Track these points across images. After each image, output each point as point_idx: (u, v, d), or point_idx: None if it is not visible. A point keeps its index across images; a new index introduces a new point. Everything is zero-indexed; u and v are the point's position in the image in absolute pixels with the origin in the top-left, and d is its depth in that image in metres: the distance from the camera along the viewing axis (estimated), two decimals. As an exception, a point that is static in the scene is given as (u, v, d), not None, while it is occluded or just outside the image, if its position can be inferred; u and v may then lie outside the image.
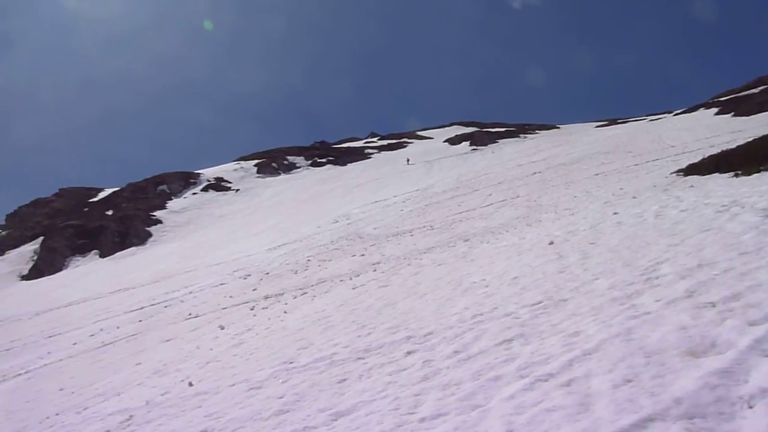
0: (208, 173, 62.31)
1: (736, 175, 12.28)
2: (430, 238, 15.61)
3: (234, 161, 69.98)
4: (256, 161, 66.80)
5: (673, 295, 4.68)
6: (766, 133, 15.74)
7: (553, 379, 3.63)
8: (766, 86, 44.16)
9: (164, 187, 57.55)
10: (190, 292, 17.93)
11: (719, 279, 4.79)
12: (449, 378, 4.26)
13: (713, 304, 4.18)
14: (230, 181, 59.82)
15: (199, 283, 19.53)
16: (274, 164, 66.00)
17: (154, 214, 49.65)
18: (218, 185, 57.90)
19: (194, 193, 56.14)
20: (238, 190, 56.71)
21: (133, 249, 43.12)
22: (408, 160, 53.90)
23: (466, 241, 13.30)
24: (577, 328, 4.56)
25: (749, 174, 11.88)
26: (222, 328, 10.35)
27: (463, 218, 18.55)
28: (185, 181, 59.20)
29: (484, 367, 4.26)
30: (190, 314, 13.53)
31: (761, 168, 11.97)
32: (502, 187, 25.46)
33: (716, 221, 7.45)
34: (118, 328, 14.45)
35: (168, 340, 10.78)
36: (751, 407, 2.71)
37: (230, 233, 36.14)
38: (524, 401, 3.43)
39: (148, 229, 46.50)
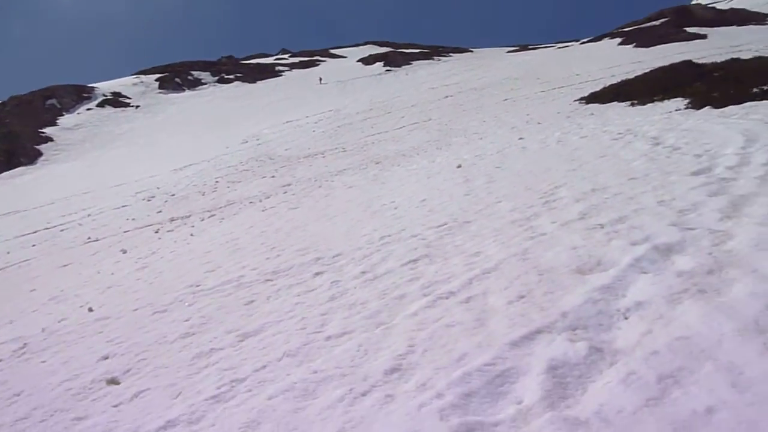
0: (104, 87, 57.67)
1: (633, 105, 13.00)
2: (342, 161, 15.55)
3: (133, 75, 65.09)
4: (158, 76, 62.47)
5: (568, 218, 4.97)
6: (662, 65, 16.62)
7: (454, 297, 3.80)
8: (666, 19, 46.19)
9: (54, 101, 52.80)
10: (89, 215, 16.99)
11: (609, 202, 5.13)
12: (356, 297, 4.36)
13: (602, 226, 4.48)
14: (129, 96, 55.82)
15: (98, 206, 18.51)
16: (177, 79, 62.06)
17: (43, 131, 45.76)
18: (116, 101, 53.91)
19: (89, 109, 52.03)
20: (138, 106, 53.13)
21: (21, 169, 39.81)
22: (320, 80, 52.53)
23: (377, 163, 13.36)
24: (479, 248, 4.76)
25: (644, 104, 12.61)
26: (124, 252, 9.96)
27: (375, 141, 18.55)
28: (78, 95, 54.56)
29: (390, 287, 4.39)
30: (89, 238, 12.88)
31: (655, 98, 12.72)
32: (414, 110, 25.54)
33: (611, 148, 7.89)
34: (8, 253, 13.52)
35: (65, 266, 10.25)
36: (626, 318, 2.98)
37: (132, 153, 34.18)
38: (426, 318, 3.58)
39: (37, 147, 42.92)
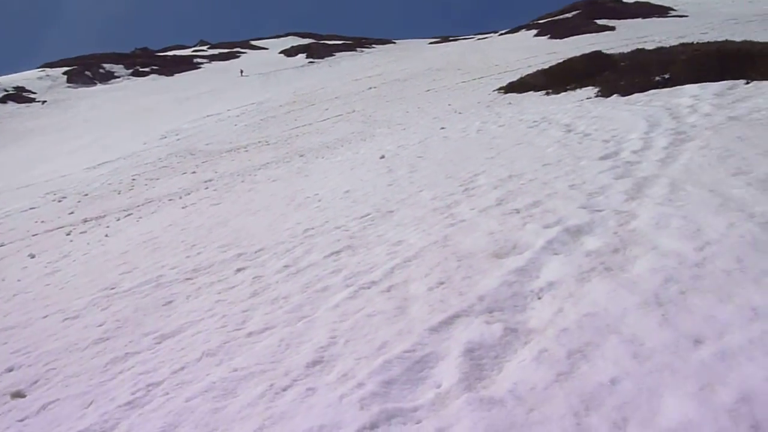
0: (5, 81, 53.78)
1: (548, 94, 13.50)
2: (265, 154, 15.27)
3: (38, 68, 61.08)
4: (66, 69, 58.98)
5: (486, 204, 5.10)
6: (574, 56, 17.33)
7: (376, 287, 3.81)
8: (578, 11, 48.26)
9: (-51, 97, 48.78)
10: (-8, 219, 15.82)
11: (525, 188, 5.31)
12: (278, 292, 4.29)
13: (518, 211, 4.63)
14: (35, 91, 52.38)
15: (3, 209, 17.27)
16: (88, 72, 58.85)
17: (-63, 128, 42.15)
18: (19, 96, 50.44)
19: (-10, 105, 48.43)
20: (45, 101, 49.97)
21: None
22: (242, 72, 51.32)
23: (301, 156, 13.21)
24: (401, 237, 4.81)
25: (558, 93, 13.12)
26: (32, 256, 9.34)
27: (299, 133, 18.34)
28: (-24, 90, 50.67)
29: (313, 279, 4.35)
30: (-8, 243, 11.99)
31: (568, 87, 13.26)
32: (338, 101, 25.43)
33: (527, 136, 8.16)
34: None
35: (-35, 274, 9.50)
36: (540, 299, 3.09)
37: (39, 151, 32.10)
38: (348, 309, 3.57)
39: (-69, 147, 39.50)
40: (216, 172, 14.06)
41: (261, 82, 44.44)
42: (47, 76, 57.07)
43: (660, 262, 3.11)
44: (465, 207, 5.23)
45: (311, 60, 58.70)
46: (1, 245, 11.59)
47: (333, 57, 59.75)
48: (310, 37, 79.03)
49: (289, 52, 65.30)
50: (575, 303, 2.92)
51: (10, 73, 58.51)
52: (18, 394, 3.68)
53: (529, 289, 3.22)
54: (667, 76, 10.37)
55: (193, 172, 15.08)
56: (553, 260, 3.50)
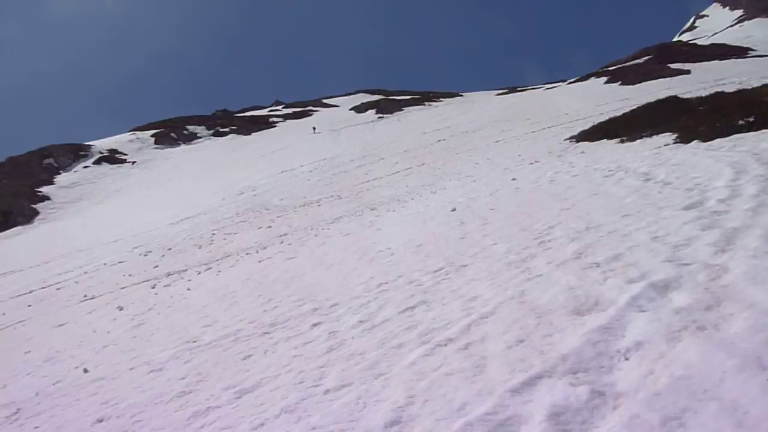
0: (101, 145, 58.30)
1: (622, 142, 13.17)
2: (337, 208, 15.60)
3: (129, 132, 65.91)
4: (154, 131, 63.28)
5: (563, 257, 4.96)
6: (648, 102, 16.93)
7: (452, 344, 3.75)
8: (649, 56, 47.39)
9: (51, 160, 53.26)
10: (85, 272, 16.89)
11: (604, 240, 5.13)
12: (354, 348, 4.30)
13: (598, 265, 4.48)
14: (126, 152, 56.38)
15: (95, 263, 18.43)
16: (173, 134, 62.84)
17: (40, 190, 45.96)
18: (112, 157, 54.42)
19: (86, 167, 52.45)
20: (134, 162, 53.61)
21: (18, 228, 39.79)
22: (314, 129, 53.16)
23: (372, 209, 13.40)
24: (476, 292, 4.74)
25: (633, 140, 12.78)
26: (121, 308, 9.85)
27: (370, 187, 18.67)
28: (75, 153, 55.08)
29: (388, 335, 4.34)
30: (85, 296, 12.76)
31: (643, 134, 12.90)
32: (408, 155, 25.81)
33: (603, 186, 7.95)
34: (3, 314, 13.37)
35: (61, 325, 10.12)
36: (627, 359, 2.94)
37: (128, 208, 34.26)
38: (425, 367, 3.53)
39: (34, 206, 43.01)
40: (290, 227, 14.47)
41: (332, 139, 45.88)
42: (137, 138, 61.39)
43: (759, 320, 2.90)
44: (541, 261, 5.11)
45: (380, 115, 60.19)
46: (93, 297, 12.31)
47: (402, 112, 61.04)
48: (379, 94, 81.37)
49: (359, 109, 67.33)
50: (667, 365, 2.76)
51: (105, 137, 63.42)
52: (107, 446, 3.83)
53: (615, 348, 3.07)
54: (751, 119, 9.91)
55: (269, 227, 15.59)
56: (639, 318, 3.34)
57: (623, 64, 48.12)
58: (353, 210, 14.28)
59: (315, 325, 5.28)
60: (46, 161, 53.05)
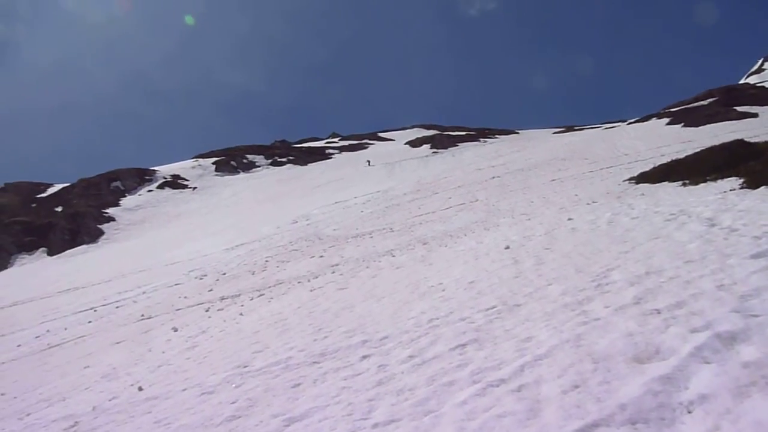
0: (165, 170, 60.90)
1: (684, 185, 12.76)
2: (389, 241, 15.66)
3: (192, 159, 68.61)
4: (215, 159, 65.67)
5: (622, 302, 4.81)
6: (713, 145, 16.39)
7: (505, 385, 3.68)
8: (714, 98, 46.00)
9: (118, 183, 55.96)
10: (144, 293, 17.50)
11: (665, 286, 4.96)
12: (404, 383, 4.28)
13: (659, 311, 4.32)
14: (187, 178, 58.62)
15: (153, 283, 19.07)
16: (233, 162, 65.02)
17: (106, 211, 48.21)
18: (175, 183, 56.67)
19: (149, 191, 54.78)
20: (195, 188, 55.62)
21: (84, 247, 41.75)
22: (369, 162, 53.88)
23: (424, 244, 13.39)
24: (530, 333, 4.64)
25: (696, 184, 12.36)
26: (175, 330, 10.13)
27: (422, 221, 18.69)
28: (140, 177, 57.73)
29: (438, 372, 4.29)
30: (142, 315, 13.20)
31: (707, 178, 12.47)
32: (461, 190, 25.75)
33: (665, 229, 7.70)
34: (65, 329, 13.98)
35: (118, 343, 10.49)
36: (690, 413, 2.81)
37: (187, 232, 35.42)
38: (476, 407, 3.47)
39: (100, 226, 45.11)
40: (342, 257, 14.60)
41: (386, 172, 46.36)
42: (199, 165, 63.82)
43: (837, 380, 2.73)
44: (598, 304, 4.97)
45: (435, 150, 60.52)
46: (149, 318, 12.71)
47: (456, 147, 61.20)
48: (434, 129, 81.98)
49: (414, 143, 67.95)
50: (734, 421, 2.62)
51: (169, 163, 66.21)
52: (159, 465, 3.92)
53: (678, 400, 2.94)
54: (826, 166, 9.43)
55: (321, 256, 15.78)
56: (703, 370, 3.19)
57: (687, 106, 46.86)
58: (405, 243, 14.31)
59: (365, 357, 5.29)
60: (114, 184, 55.72)
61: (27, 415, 6.58)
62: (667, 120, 41.35)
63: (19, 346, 13.07)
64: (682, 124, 37.18)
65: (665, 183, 13.92)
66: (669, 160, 17.69)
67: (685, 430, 2.69)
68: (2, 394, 8.30)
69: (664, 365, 3.35)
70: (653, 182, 14.63)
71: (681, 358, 3.38)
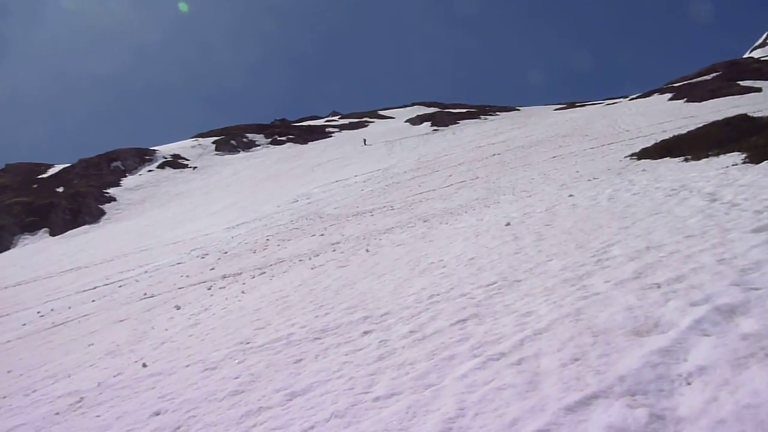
0: (165, 150, 60.75)
1: (686, 160, 12.71)
2: (389, 219, 15.67)
3: (192, 138, 68.36)
4: (215, 138, 65.46)
5: (622, 277, 4.83)
6: (715, 120, 16.29)
7: (505, 358, 3.71)
8: (718, 73, 45.61)
9: (118, 163, 55.90)
10: (146, 272, 17.58)
11: (665, 261, 4.97)
12: (404, 357, 4.31)
13: (659, 286, 4.33)
14: (187, 158, 58.52)
15: (155, 263, 19.15)
16: (233, 141, 64.82)
17: (107, 191, 48.25)
18: (175, 162, 56.59)
19: (150, 171, 54.73)
20: (195, 167, 55.55)
21: (85, 227, 41.87)
22: (365, 141, 53.47)
23: (425, 221, 13.40)
24: (530, 308, 4.66)
25: (698, 159, 12.31)
26: (178, 308, 10.19)
27: (423, 199, 18.67)
28: (140, 157, 57.65)
29: (439, 347, 4.32)
30: (145, 294, 13.27)
31: (710, 153, 12.42)
32: (462, 168, 25.69)
33: (665, 205, 7.70)
34: (69, 308, 14.07)
35: (122, 321, 10.56)
36: (689, 384, 2.84)
37: (188, 211, 35.47)
38: (476, 380, 3.50)
39: (101, 206, 45.19)
40: (342, 235, 14.62)
41: (386, 150, 46.19)
42: (199, 144, 63.64)
43: (836, 351, 2.74)
44: (598, 279, 4.99)
45: (435, 128, 60.24)
46: (152, 296, 12.78)
47: (457, 125, 60.91)
48: (434, 106, 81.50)
49: (414, 121, 67.60)
50: (732, 392, 2.64)
51: (169, 143, 65.99)
52: (163, 439, 3.97)
53: (677, 372, 2.96)
54: (829, 141, 9.38)
55: (321, 235, 15.81)
56: (702, 342, 3.21)
57: (689, 81, 46.47)
58: (405, 221, 14.31)
59: (366, 333, 5.32)
60: (114, 164, 55.65)
61: (33, 392, 6.65)
62: (669, 95, 41.07)
63: (24, 324, 13.17)
64: (685, 99, 36.93)
65: (667, 159, 13.86)
66: (671, 135, 17.60)
67: (683, 401, 2.71)
68: (8, 371, 8.39)
69: (664, 338, 3.37)
70: (655, 158, 14.57)
71: (680, 331, 3.40)
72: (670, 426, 2.54)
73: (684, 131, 17.36)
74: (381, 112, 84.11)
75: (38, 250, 36.34)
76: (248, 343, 6.13)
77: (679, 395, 2.77)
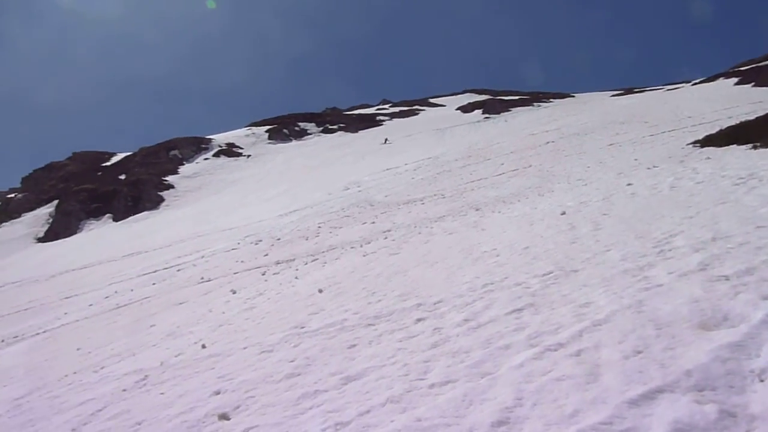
0: (220, 139, 62.27)
1: (755, 147, 12.09)
2: (441, 207, 15.58)
3: (245, 127, 69.79)
4: (268, 127, 66.61)
5: (686, 268, 4.65)
6: (787, 105, 15.38)
7: (563, 349, 3.64)
8: (789, 56, 43.03)
9: (176, 152, 57.70)
10: (202, 257, 18.12)
11: (734, 252, 4.75)
12: (459, 345, 4.29)
13: (727, 278, 4.15)
14: (242, 146, 59.80)
15: (211, 248, 19.72)
16: (285, 130, 65.79)
17: (166, 178, 49.92)
18: (230, 151, 57.94)
19: (206, 159, 56.26)
20: (249, 155, 56.73)
21: (145, 213, 43.51)
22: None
23: (477, 210, 13.26)
24: (588, 298, 4.56)
25: (768, 146, 11.68)
26: (234, 292, 10.47)
27: (474, 187, 18.47)
28: (197, 146, 59.33)
29: (494, 336, 4.28)
30: (202, 278, 13.69)
31: (780, 140, 11.76)
32: (514, 156, 25.24)
33: (733, 194, 7.35)
34: (131, 290, 14.68)
35: (181, 303, 10.94)
36: (762, 381, 2.71)
37: (241, 199, 36.30)
38: (533, 370, 3.45)
39: (160, 193, 46.81)
40: (394, 223, 14.65)
41: (437, 138, 45.85)
42: (252, 133, 64.91)
43: None
44: (661, 270, 4.82)
45: (487, 116, 59.38)
46: (209, 280, 13.17)
47: (509, 112, 59.85)
48: (486, 94, 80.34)
49: (466, 109, 66.84)
50: (810, 390, 2.51)
51: (224, 131, 67.59)
52: (224, 416, 4.10)
53: (748, 368, 2.84)
54: None
55: (373, 222, 15.87)
56: (777, 337, 3.06)
57: (757, 64, 44.04)
58: (457, 209, 14.20)
59: (419, 320, 5.32)
60: (172, 153, 57.47)
61: (101, 368, 6.99)
62: (735, 80, 39.06)
63: (90, 305, 13.83)
64: (752, 83, 35.04)
65: (733, 146, 13.20)
66: (737, 122, 16.76)
67: (756, 398, 2.60)
68: (78, 349, 8.84)
69: (734, 332, 3.23)
70: (720, 145, 13.91)
71: (752, 325, 3.25)
72: (742, 423, 2.44)
73: (752, 117, 16.50)
74: (432, 100, 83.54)
75: (102, 235, 38.03)
76: (303, 327, 6.24)
77: (752, 392, 2.65)
